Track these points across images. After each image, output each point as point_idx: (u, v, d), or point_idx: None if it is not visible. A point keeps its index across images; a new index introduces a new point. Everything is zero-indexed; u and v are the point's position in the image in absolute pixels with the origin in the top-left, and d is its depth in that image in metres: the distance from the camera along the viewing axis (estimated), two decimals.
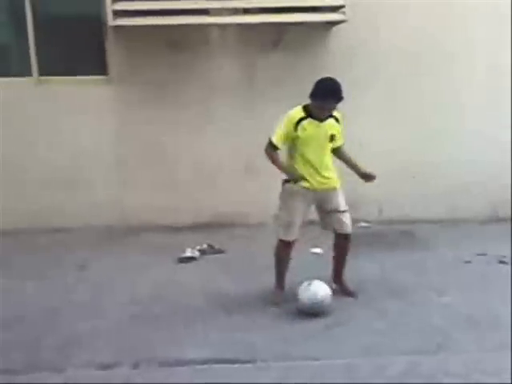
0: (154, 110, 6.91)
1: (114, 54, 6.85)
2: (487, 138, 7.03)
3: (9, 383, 3.60)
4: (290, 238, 4.67)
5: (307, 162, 4.55)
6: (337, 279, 4.93)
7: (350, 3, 6.32)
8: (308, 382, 3.57)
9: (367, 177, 4.79)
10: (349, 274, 4.94)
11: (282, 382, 3.58)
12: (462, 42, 6.95)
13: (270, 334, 4.18)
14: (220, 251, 6.12)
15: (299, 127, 4.48)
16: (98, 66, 6.91)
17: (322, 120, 4.50)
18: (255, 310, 4.59)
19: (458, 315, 4.48)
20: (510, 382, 3.48)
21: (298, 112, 4.52)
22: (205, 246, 6.16)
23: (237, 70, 6.95)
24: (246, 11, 6.48)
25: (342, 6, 6.36)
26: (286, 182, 4.68)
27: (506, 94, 7.06)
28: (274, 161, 4.63)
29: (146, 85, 6.87)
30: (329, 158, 4.65)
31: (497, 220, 7.07)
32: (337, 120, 4.61)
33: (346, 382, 3.55)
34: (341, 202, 4.67)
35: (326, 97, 4.40)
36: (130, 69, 6.85)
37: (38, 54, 6.81)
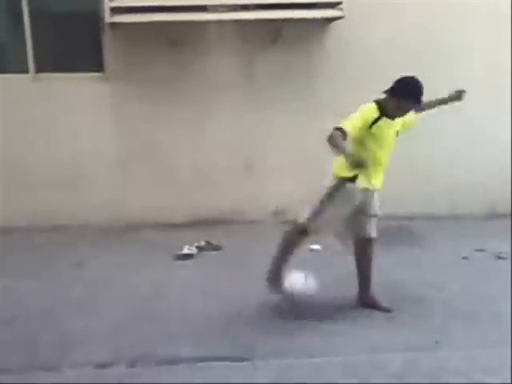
0: (152, 107, 6.89)
1: (111, 50, 6.83)
2: (487, 136, 7.04)
3: (5, 383, 3.58)
4: (310, 224, 4.33)
5: (377, 161, 4.27)
6: (361, 292, 4.66)
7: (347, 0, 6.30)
8: (306, 379, 3.56)
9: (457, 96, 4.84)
10: (346, 269, 4.88)
11: (280, 379, 3.56)
12: (461, 40, 6.95)
13: (268, 332, 4.16)
14: (217, 248, 6.12)
15: (375, 126, 4.17)
16: (95, 63, 6.89)
17: (393, 118, 4.25)
18: (252, 308, 4.58)
19: (457, 311, 4.48)
20: (509, 378, 3.47)
21: (373, 110, 4.20)
22: (202, 243, 6.16)
23: (235, 66, 6.93)
24: (244, 8, 6.46)
25: (339, 3, 6.37)
26: (347, 180, 4.26)
27: (505, 93, 7.05)
28: (339, 144, 3.96)
29: (143, 82, 6.85)
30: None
31: (495, 216, 7.06)
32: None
33: (345, 379, 3.54)
34: (376, 206, 4.51)
35: (418, 98, 4.14)
36: (128, 66, 6.83)
37: (34, 50, 6.80)
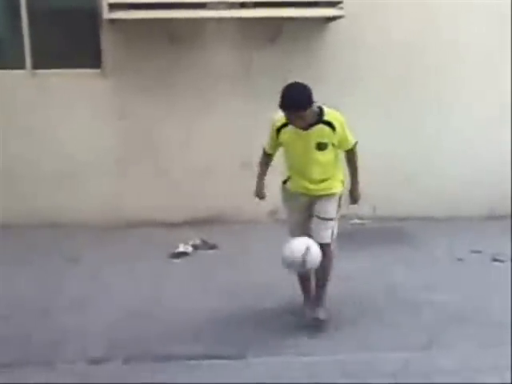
0: (149, 103, 6.87)
1: (108, 47, 6.81)
2: (485, 137, 7.03)
3: None
4: (293, 236, 4.28)
5: (294, 167, 4.30)
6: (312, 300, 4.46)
7: None
8: (300, 378, 3.56)
9: (353, 198, 4.46)
10: (341, 271, 4.86)
11: (275, 378, 3.56)
12: (461, 39, 6.93)
13: (263, 330, 4.16)
14: (213, 247, 6.11)
15: (280, 134, 4.21)
16: (93, 59, 6.86)
17: (305, 128, 4.08)
18: (247, 306, 4.58)
19: (451, 312, 4.48)
20: (506, 378, 3.47)
21: (279, 119, 4.19)
22: (198, 241, 6.15)
23: (234, 64, 6.92)
24: (243, 5, 6.45)
25: (339, 2, 6.34)
26: (283, 182, 4.44)
27: (505, 93, 7.05)
28: (258, 170, 4.56)
29: (141, 78, 6.83)
30: (322, 167, 4.19)
31: (493, 218, 7.05)
32: (330, 125, 4.09)
33: (340, 379, 3.54)
34: (326, 208, 4.26)
35: (284, 107, 3.99)
36: (125, 62, 6.81)
37: (32, 46, 6.76)
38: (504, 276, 5.18)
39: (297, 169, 4.28)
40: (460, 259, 5.76)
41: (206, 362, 3.72)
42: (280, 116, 4.16)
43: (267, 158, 4.49)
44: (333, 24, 6.73)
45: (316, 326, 4.21)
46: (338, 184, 4.31)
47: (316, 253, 4.05)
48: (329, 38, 6.85)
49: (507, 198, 7.06)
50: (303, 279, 4.46)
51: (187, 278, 5.22)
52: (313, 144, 4.11)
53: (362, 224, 6.90)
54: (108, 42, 6.79)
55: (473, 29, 6.90)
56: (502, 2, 6.88)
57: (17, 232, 6.45)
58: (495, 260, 5.71)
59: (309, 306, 4.39)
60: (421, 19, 6.88)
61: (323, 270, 4.24)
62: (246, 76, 6.90)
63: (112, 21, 6.39)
